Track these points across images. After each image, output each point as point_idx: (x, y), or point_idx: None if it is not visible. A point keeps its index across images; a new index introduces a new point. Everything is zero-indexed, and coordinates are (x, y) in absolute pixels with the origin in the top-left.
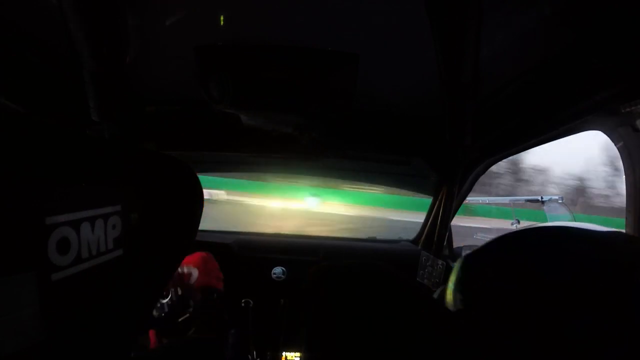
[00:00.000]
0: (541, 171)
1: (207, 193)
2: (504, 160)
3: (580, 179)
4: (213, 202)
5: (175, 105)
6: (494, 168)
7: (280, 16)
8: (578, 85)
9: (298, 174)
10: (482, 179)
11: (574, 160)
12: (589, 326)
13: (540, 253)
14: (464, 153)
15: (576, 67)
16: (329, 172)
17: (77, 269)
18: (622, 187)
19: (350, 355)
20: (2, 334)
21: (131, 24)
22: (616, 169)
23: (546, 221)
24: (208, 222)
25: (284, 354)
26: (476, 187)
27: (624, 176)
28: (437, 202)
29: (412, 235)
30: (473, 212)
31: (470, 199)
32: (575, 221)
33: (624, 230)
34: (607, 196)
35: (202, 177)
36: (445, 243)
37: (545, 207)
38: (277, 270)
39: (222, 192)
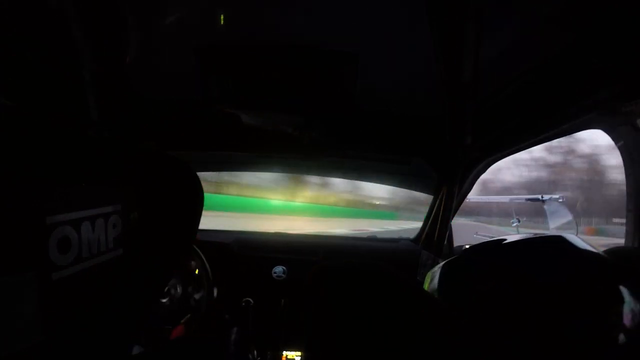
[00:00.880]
0: None
1: None
2: None
3: None
4: None
5: (175, 105)
6: None
7: (280, 16)
8: (578, 85)
9: (298, 173)
10: None
11: None
12: (588, 326)
13: (539, 256)
14: (464, 153)
15: (576, 67)
16: (329, 171)
17: (78, 268)
18: None
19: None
20: (2, 333)
21: (131, 24)
22: None
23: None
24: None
25: (284, 353)
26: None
27: (624, 175)
28: (438, 202)
29: (412, 234)
30: None
31: (471, 198)
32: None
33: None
34: None
35: None
36: (445, 242)
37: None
38: (278, 269)
39: None
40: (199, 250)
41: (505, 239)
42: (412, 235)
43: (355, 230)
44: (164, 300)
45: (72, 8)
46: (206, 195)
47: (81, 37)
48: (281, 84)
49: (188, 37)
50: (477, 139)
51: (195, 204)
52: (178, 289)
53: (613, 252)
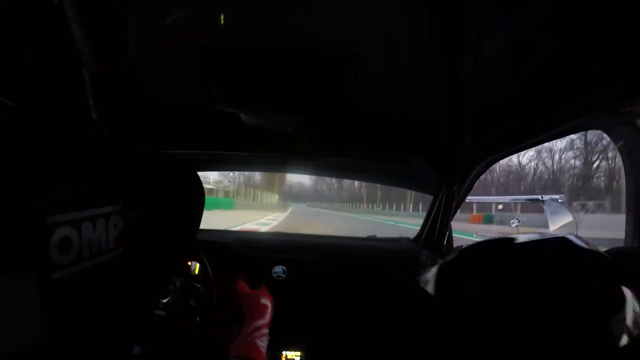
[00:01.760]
0: None
1: None
2: None
3: None
4: None
5: (175, 104)
6: None
7: (280, 16)
8: (578, 85)
9: (298, 173)
10: None
11: None
12: (587, 327)
13: (537, 256)
14: (464, 152)
15: (576, 67)
16: (329, 171)
17: (78, 267)
18: None
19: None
20: (2, 333)
21: (131, 24)
22: None
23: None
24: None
25: (284, 353)
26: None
27: (624, 176)
28: (438, 202)
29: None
30: None
31: (471, 198)
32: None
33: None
34: None
35: None
36: (445, 242)
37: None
38: (278, 269)
39: None
40: (199, 250)
41: (501, 239)
42: (412, 235)
43: None
44: (164, 300)
45: (72, 8)
46: None
47: (81, 37)
48: (281, 84)
49: (188, 37)
50: (477, 139)
51: (196, 203)
52: (178, 289)
53: (613, 252)
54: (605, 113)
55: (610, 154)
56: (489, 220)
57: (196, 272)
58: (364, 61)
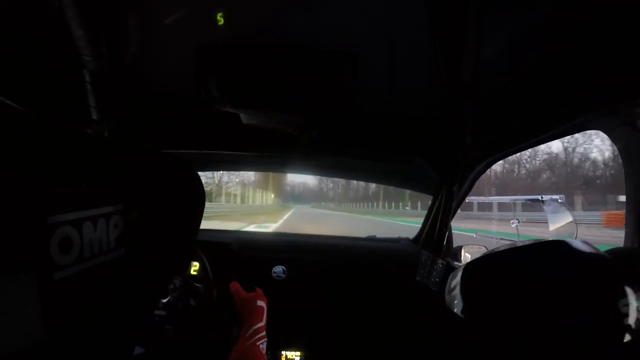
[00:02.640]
0: None
1: None
2: None
3: None
4: None
5: (175, 104)
6: None
7: (280, 16)
8: (578, 85)
9: (298, 173)
10: None
11: None
12: (588, 325)
13: (538, 258)
14: (464, 153)
15: (576, 67)
16: (329, 171)
17: (79, 268)
18: None
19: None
20: (3, 333)
21: (131, 24)
22: None
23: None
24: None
25: (283, 353)
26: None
27: (624, 176)
28: (438, 202)
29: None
30: None
31: (471, 198)
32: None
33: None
34: None
35: None
36: (445, 242)
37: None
38: (278, 269)
39: None
40: (199, 250)
41: (521, 245)
42: (411, 235)
43: None
44: (164, 300)
45: (72, 8)
46: None
47: (81, 37)
48: (281, 84)
49: (188, 37)
50: (477, 139)
51: (196, 203)
52: (178, 289)
53: (613, 252)
54: (605, 113)
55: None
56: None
57: (196, 272)
58: (364, 61)
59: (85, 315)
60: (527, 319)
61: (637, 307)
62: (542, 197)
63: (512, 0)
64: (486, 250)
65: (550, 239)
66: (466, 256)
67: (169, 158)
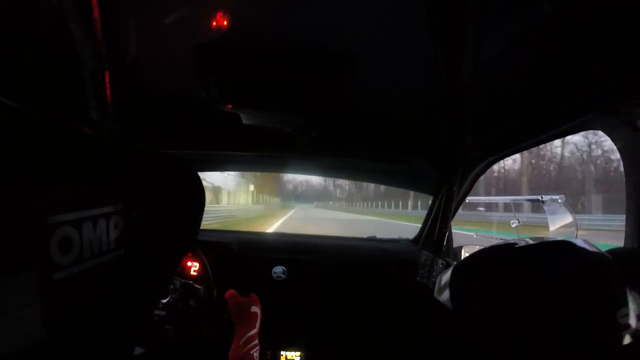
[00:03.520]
0: None
1: None
2: None
3: None
4: None
5: (175, 104)
6: None
7: (280, 16)
8: (578, 85)
9: (298, 173)
10: None
11: None
12: (588, 325)
13: (536, 257)
14: (464, 152)
15: (576, 67)
16: (329, 171)
17: (79, 268)
18: None
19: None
20: (2, 333)
21: (131, 24)
22: None
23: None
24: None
25: (283, 353)
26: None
27: (624, 176)
28: (437, 202)
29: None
30: None
31: (471, 198)
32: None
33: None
34: None
35: None
36: (445, 242)
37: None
38: (278, 269)
39: None
40: (199, 250)
41: (515, 243)
42: (411, 236)
43: None
44: (164, 301)
45: (72, 8)
46: None
47: (81, 37)
48: (281, 84)
49: (188, 37)
50: (477, 139)
51: (197, 203)
52: (178, 289)
53: (613, 252)
54: (605, 113)
55: None
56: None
57: (196, 272)
58: (364, 61)
59: (85, 315)
60: (526, 316)
61: (637, 307)
62: (542, 197)
63: (512, 0)
64: None
65: (556, 239)
66: (466, 256)
67: (169, 158)
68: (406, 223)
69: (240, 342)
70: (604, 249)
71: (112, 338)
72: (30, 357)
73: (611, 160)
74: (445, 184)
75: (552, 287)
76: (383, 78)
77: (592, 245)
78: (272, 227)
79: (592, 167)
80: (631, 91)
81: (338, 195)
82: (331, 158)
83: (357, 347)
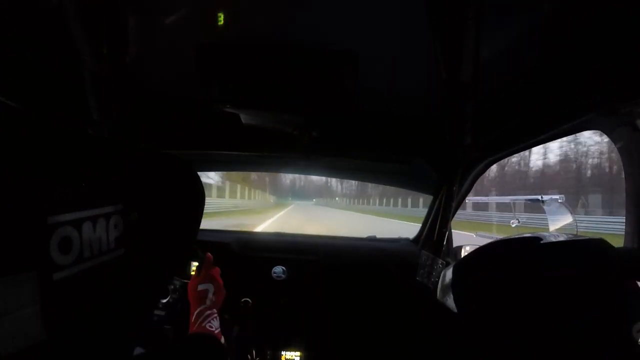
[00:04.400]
0: None
1: None
2: None
3: None
4: None
5: (175, 104)
6: None
7: (280, 15)
8: (578, 85)
9: (298, 173)
10: None
11: None
12: (587, 326)
13: (537, 256)
14: (464, 152)
15: (576, 67)
16: (329, 171)
17: (79, 268)
18: None
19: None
20: (3, 333)
21: (131, 24)
22: None
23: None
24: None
25: (283, 353)
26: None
27: (624, 176)
28: (438, 202)
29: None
30: None
31: (471, 198)
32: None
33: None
34: None
35: None
36: (445, 242)
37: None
38: (277, 269)
39: None
40: (199, 251)
41: (514, 238)
42: (411, 236)
43: None
44: (164, 301)
45: (72, 8)
46: None
47: (81, 37)
48: (281, 84)
49: (188, 37)
50: (477, 138)
51: (197, 203)
52: (178, 289)
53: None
54: (605, 113)
55: None
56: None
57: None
58: (364, 61)
59: (85, 315)
60: (527, 318)
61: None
62: (542, 197)
63: (512, 0)
64: None
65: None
66: (467, 254)
67: (169, 158)
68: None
69: (192, 320)
70: None
71: (112, 338)
72: (30, 357)
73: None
74: (445, 184)
75: (559, 282)
76: (383, 78)
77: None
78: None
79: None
80: (631, 91)
81: (340, 190)
82: (331, 158)
83: (357, 347)
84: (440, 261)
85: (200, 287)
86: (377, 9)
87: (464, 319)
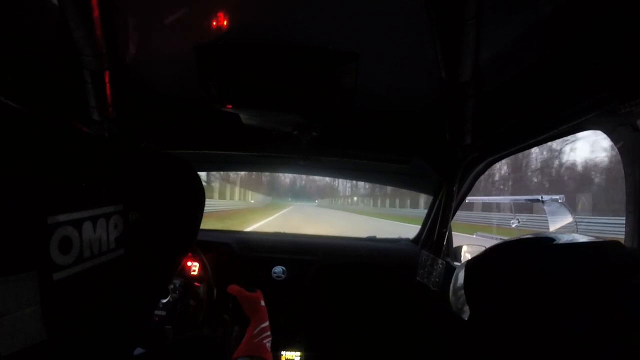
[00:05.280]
0: None
1: None
2: None
3: None
4: None
5: (175, 104)
6: None
7: (280, 15)
8: (578, 85)
9: (298, 173)
10: None
11: None
12: (588, 327)
13: (540, 257)
14: (464, 152)
15: (576, 67)
16: (329, 171)
17: (79, 268)
18: None
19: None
20: (3, 333)
21: (131, 23)
22: None
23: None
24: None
25: (283, 353)
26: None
27: (624, 176)
28: (437, 201)
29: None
30: None
31: (471, 198)
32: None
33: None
34: None
35: None
36: (445, 242)
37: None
38: (277, 269)
39: None
40: (199, 250)
41: (524, 238)
42: (411, 236)
43: None
44: (164, 301)
45: (72, 8)
46: None
47: (81, 37)
48: (281, 84)
49: (188, 37)
50: (477, 138)
51: (197, 203)
52: (178, 289)
53: None
54: (605, 113)
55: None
56: None
57: (196, 272)
58: (364, 61)
59: (85, 316)
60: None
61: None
62: (542, 198)
63: (512, 0)
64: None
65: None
66: (466, 256)
67: (169, 158)
68: None
69: (254, 332)
70: None
71: (112, 338)
72: (30, 357)
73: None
74: (445, 184)
75: (559, 286)
76: (383, 78)
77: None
78: None
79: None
80: (631, 91)
81: (348, 190)
82: (331, 158)
83: (356, 347)
84: (440, 261)
85: (262, 304)
86: (377, 9)
87: (477, 321)
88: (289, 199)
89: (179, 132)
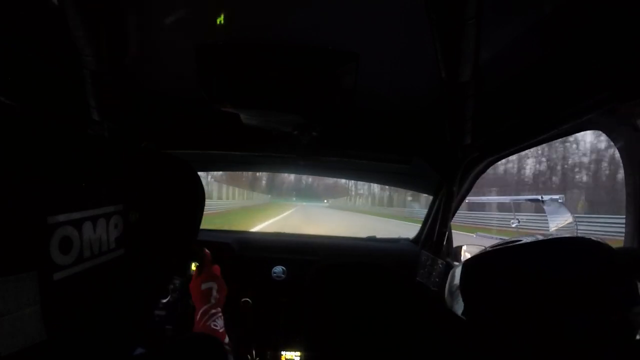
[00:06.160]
0: None
1: None
2: None
3: None
4: None
5: (175, 104)
6: None
7: (280, 15)
8: (578, 85)
9: (298, 173)
10: None
11: None
12: (588, 326)
13: (540, 257)
14: (464, 152)
15: (576, 67)
16: (329, 171)
17: (79, 268)
18: None
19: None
20: (3, 333)
21: (131, 24)
22: None
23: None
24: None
25: (283, 353)
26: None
27: (624, 176)
28: (438, 202)
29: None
30: None
31: (471, 198)
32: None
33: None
34: None
35: None
36: (445, 242)
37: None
38: (277, 269)
39: None
40: (198, 250)
41: (522, 240)
42: (411, 236)
43: None
44: (164, 300)
45: (72, 8)
46: None
47: (81, 37)
48: (281, 84)
49: (188, 37)
50: (477, 138)
51: (196, 203)
52: (178, 289)
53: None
54: (605, 113)
55: None
56: None
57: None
58: (364, 60)
59: (85, 316)
60: (528, 318)
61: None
62: (542, 197)
63: (512, 0)
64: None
65: (564, 235)
66: (466, 256)
67: (169, 158)
68: None
69: (197, 319)
70: None
71: (112, 338)
72: (30, 357)
73: None
74: (445, 184)
75: (559, 285)
76: (383, 78)
77: (604, 244)
78: None
79: None
80: (631, 91)
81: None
82: (331, 158)
83: (356, 347)
84: (440, 261)
85: (204, 286)
86: (377, 9)
87: (473, 321)
88: (293, 199)
89: (179, 132)
